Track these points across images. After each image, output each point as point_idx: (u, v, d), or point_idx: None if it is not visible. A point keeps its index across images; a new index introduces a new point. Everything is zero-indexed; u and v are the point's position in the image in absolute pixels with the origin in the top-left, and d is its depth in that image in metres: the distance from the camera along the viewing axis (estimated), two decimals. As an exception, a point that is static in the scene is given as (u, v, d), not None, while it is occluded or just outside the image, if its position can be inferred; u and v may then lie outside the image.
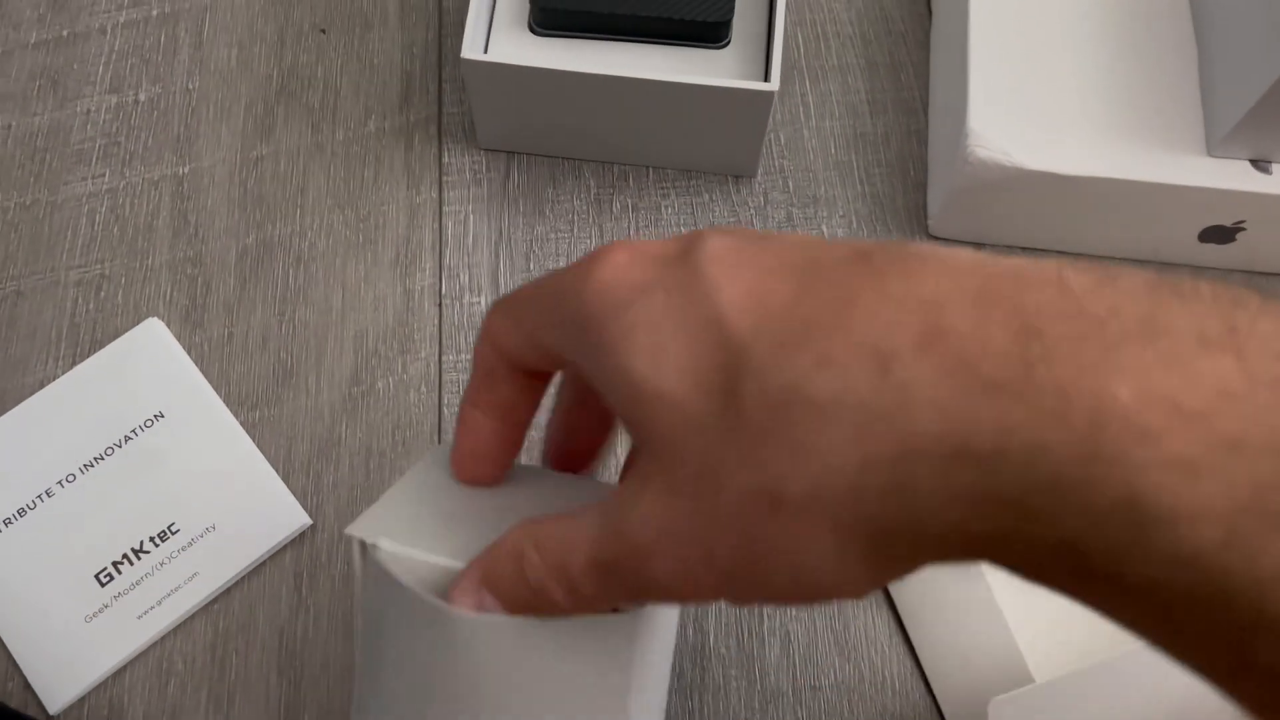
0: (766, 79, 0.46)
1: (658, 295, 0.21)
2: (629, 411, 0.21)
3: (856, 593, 0.20)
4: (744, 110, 0.46)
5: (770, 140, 0.51)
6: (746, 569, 0.20)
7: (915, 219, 0.50)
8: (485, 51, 0.49)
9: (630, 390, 0.21)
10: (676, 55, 0.49)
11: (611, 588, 0.23)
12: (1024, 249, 0.49)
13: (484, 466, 0.28)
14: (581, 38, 0.49)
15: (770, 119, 0.51)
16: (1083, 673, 0.36)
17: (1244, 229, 0.46)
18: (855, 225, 0.50)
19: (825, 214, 0.50)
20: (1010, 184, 0.45)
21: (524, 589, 0.23)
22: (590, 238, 0.49)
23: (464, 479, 0.28)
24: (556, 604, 0.23)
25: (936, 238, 0.50)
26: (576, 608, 0.23)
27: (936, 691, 0.42)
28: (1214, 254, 0.48)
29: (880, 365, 0.18)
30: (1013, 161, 0.44)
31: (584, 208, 0.50)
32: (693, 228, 0.49)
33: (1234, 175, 0.43)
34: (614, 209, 0.50)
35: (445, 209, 0.50)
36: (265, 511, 0.44)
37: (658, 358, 0.21)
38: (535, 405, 0.28)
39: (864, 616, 0.43)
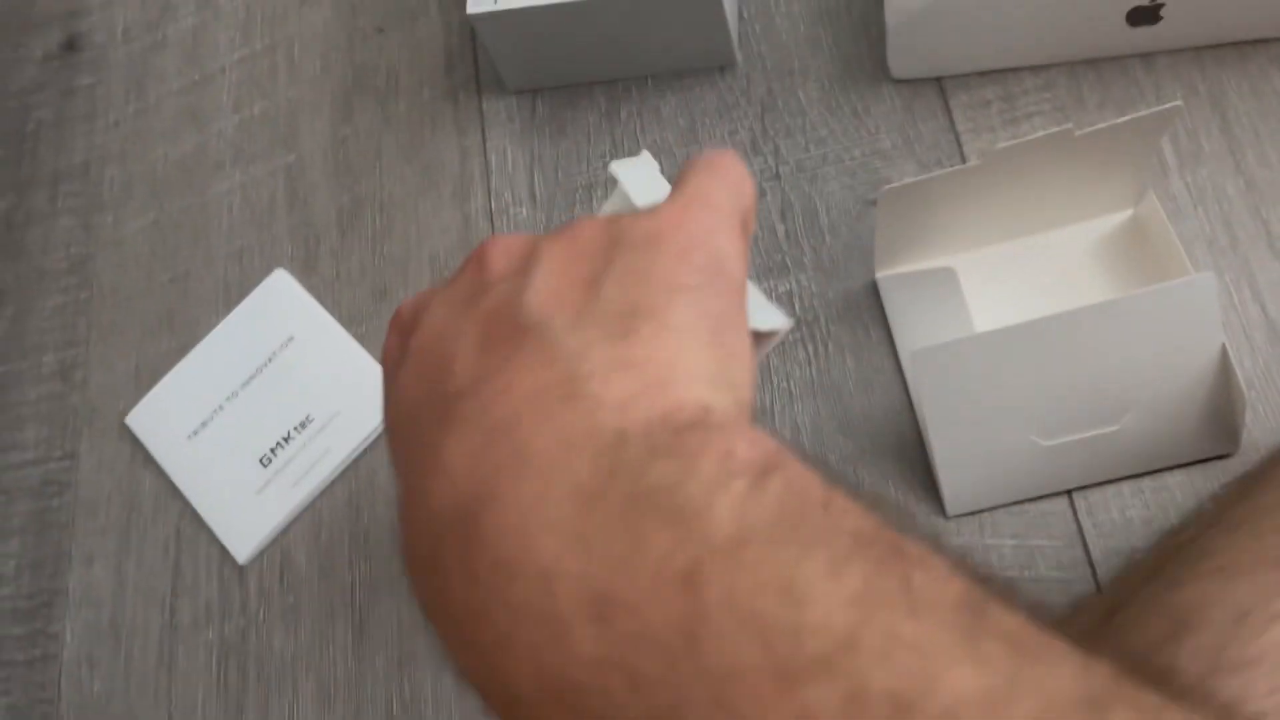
0: (712, -27, 0.55)
1: None
2: None
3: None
4: (698, 2, 0.54)
5: (747, 32, 0.59)
6: None
7: (880, 69, 0.57)
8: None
9: None
10: (651, -22, 0.58)
11: None
12: (979, 74, 0.55)
13: None
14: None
15: (744, 13, 0.59)
16: (997, 331, 0.42)
17: (1163, 3, 0.50)
18: (828, 85, 0.57)
19: (800, 82, 0.57)
20: (934, 12, 0.51)
21: None
22: (604, 143, 0.59)
23: None
24: None
25: (900, 80, 0.56)
26: None
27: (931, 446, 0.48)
28: (1150, 37, 0.52)
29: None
30: (926, -10, 0.50)
31: (597, 120, 0.59)
32: (689, 121, 0.58)
33: (1131, -45, 0.48)
34: (621, 117, 0.59)
35: (488, 145, 0.61)
36: (376, 397, 0.56)
37: None
38: None
39: (862, 399, 0.50)
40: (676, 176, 0.30)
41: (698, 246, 0.26)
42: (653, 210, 0.27)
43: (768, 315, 0.32)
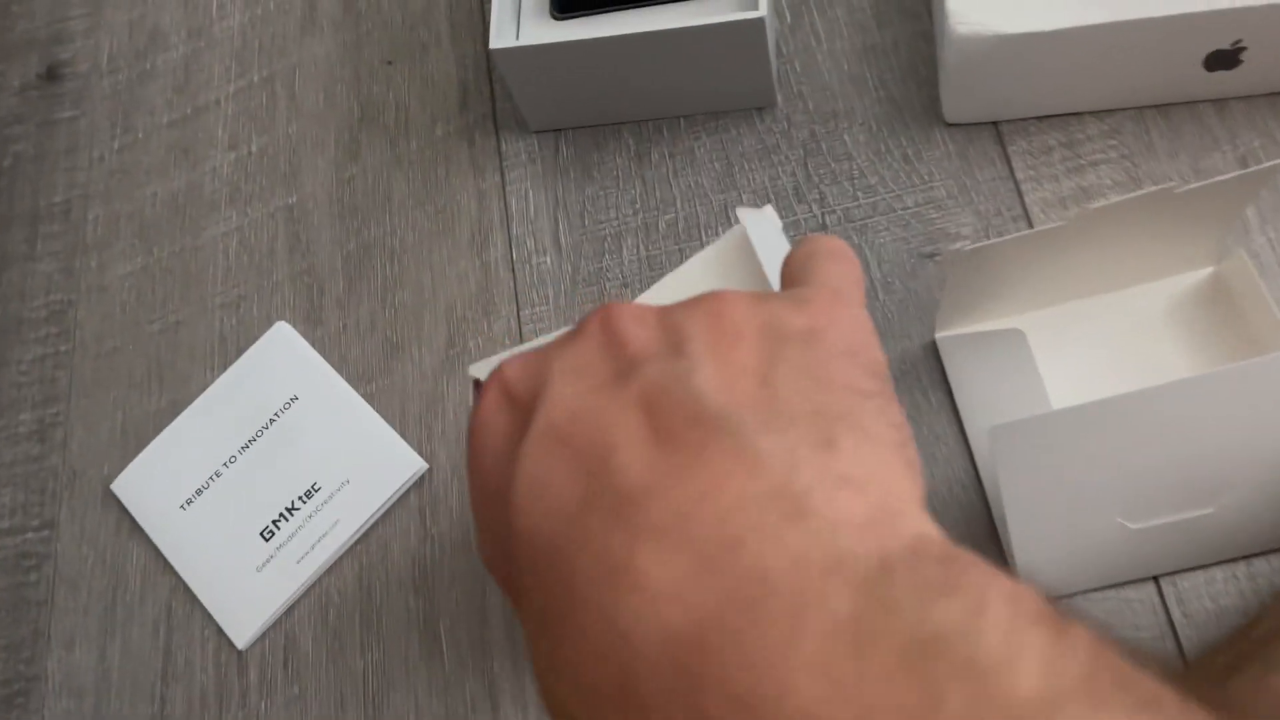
0: (756, 7, 0.51)
1: None
2: None
3: None
4: (743, 40, 0.50)
5: (786, 70, 0.55)
6: None
7: (931, 112, 0.53)
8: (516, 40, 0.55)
9: None
10: (686, 10, 0.54)
11: None
12: (1038, 118, 0.51)
13: None
14: (599, 14, 0.55)
15: (783, 50, 0.55)
16: (1082, 407, 0.38)
17: (1245, 48, 0.46)
18: (875, 129, 0.53)
19: (845, 125, 0.54)
20: (999, 54, 0.47)
21: None
22: (634, 188, 0.55)
23: None
24: None
25: (953, 124, 0.52)
26: None
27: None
28: (1224, 82, 0.48)
29: None
30: (992, 30, 0.47)
31: (626, 163, 0.55)
32: (725, 165, 0.54)
33: (1214, -5, 0.45)
34: (653, 159, 0.55)
35: (508, 189, 0.56)
36: (388, 462, 0.51)
37: None
38: None
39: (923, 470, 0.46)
40: (792, 260, 0.28)
41: (860, 349, 0.25)
42: (800, 302, 0.26)
43: None
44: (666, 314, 0.26)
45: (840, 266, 0.28)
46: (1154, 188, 0.39)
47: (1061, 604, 0.20)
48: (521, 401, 0.25)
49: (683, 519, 0.21)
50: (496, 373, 0.27)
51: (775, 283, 0.33)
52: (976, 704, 0.17)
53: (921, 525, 0.21)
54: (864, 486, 0.21)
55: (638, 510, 0.21)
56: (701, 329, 0.24)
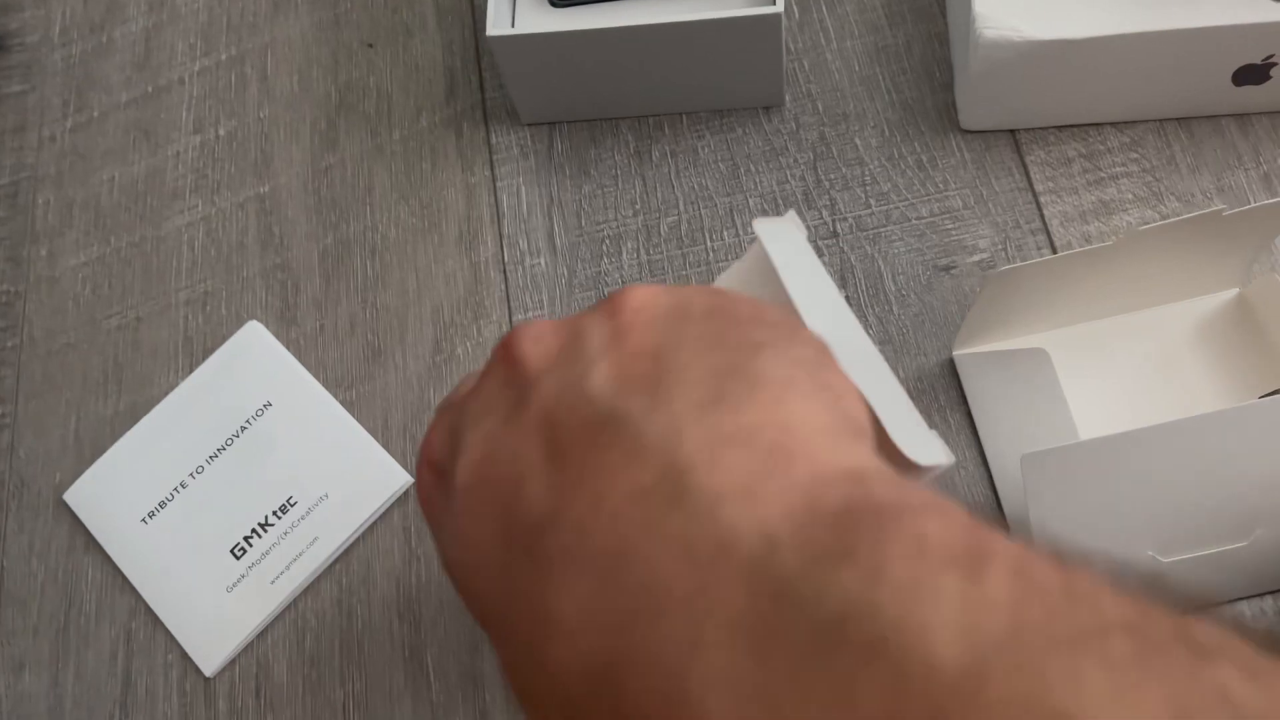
0: (773, 2, 0.48)
1: None
2: None
3: None
4: (757, 36, 0.48)
5: (794, 68, 0.53)
6: None
7: (946, 117, 0.51)
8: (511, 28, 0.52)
9: None
10: (692, 2, 0.51)
11: None
12: (1057, 127, 0.50)
13: None
14: (599, 4, 0.52)
15: (791, 47, 0.53)
16: (1116, 437, 0.37)
17: (1276, 64, 0.45)
18: (888, 133, 0.51)
19: (857, 128, 0.51)
20: (1026, 60, 0.45)
21: None
22: (634, 188, 0.52)
23: None
24: None
25: (969, 131, 0.50)
26: None
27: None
28: (1250, 97, 0.47)
29: None
30: (1022, 36, 0.45)
31: (625, 161, 0.52)
32: (731, 166, 0.52)
33: (1251, 8, 0.43)
34: (653, 158, 0.52)
35: (499, 184, 0.53)
36: (370, 476, 0.48)
37: None
38: None
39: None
40: None
41: (765, 310, 0.24)
42: (714, 290, 0.25)
43: (928, 447, 0.27)
44: (567, 321, 0.24)
45: None
46: (1203, 210, 0.38)
47: (981, 521, 0.17)
48: (444, 465, 0.24)
49: (581, 534, 0.19)
50: (421, 450, 0.26)
51: (799, 301, 0.30)
52: (895, 693, 0.15)
53: (818, 460, 0.19)
54: (752, 436, 0.19)
55: (541, 541, 0.19)
56: (600, 327, 0.23)
